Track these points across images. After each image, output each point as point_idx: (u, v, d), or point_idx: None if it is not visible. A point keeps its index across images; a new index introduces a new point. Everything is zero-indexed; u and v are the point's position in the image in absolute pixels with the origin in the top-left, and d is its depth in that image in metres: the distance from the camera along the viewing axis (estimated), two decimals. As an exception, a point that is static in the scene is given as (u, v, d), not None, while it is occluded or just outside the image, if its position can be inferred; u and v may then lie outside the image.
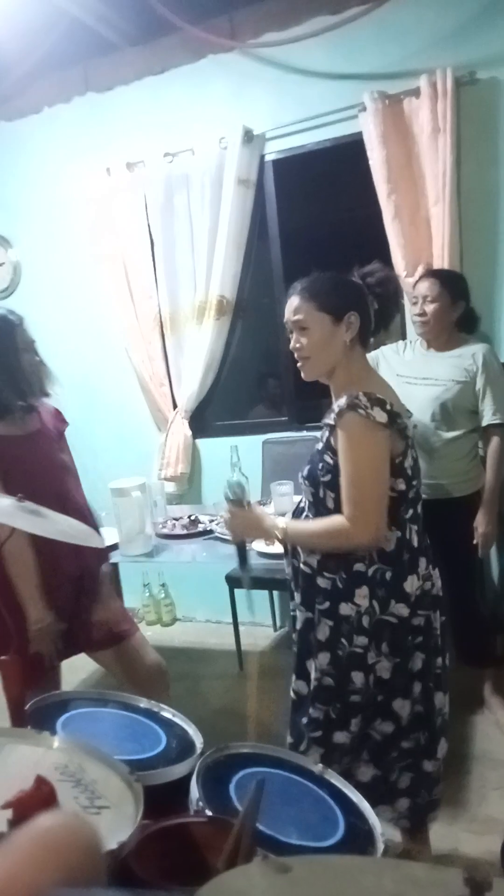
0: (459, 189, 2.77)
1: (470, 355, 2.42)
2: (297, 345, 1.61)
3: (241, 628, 3.15)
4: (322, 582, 1.59)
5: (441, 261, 2.78)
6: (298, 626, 1.66)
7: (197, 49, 3.18)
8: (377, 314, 1.62)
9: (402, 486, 1.57)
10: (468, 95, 2.74)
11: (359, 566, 1.56)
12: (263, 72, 3.11)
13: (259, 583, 3.10)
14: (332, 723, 1.61)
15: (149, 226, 3.41)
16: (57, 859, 0.57)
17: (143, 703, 1.41)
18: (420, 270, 2.78)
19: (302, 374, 1.64)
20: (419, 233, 2.86)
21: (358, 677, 1.58)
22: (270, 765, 1.30)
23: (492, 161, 2.77)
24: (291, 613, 1.78)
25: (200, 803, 1.10)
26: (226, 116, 3.17)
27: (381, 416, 1.49)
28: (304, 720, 1.64)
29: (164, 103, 3.32)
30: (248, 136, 3.12)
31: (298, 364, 1.63)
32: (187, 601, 3.71)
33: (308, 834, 1.14)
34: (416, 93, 2.77)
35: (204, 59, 3.20)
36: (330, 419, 1.56)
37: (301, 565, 1.64)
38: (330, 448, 1.56)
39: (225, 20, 3.11)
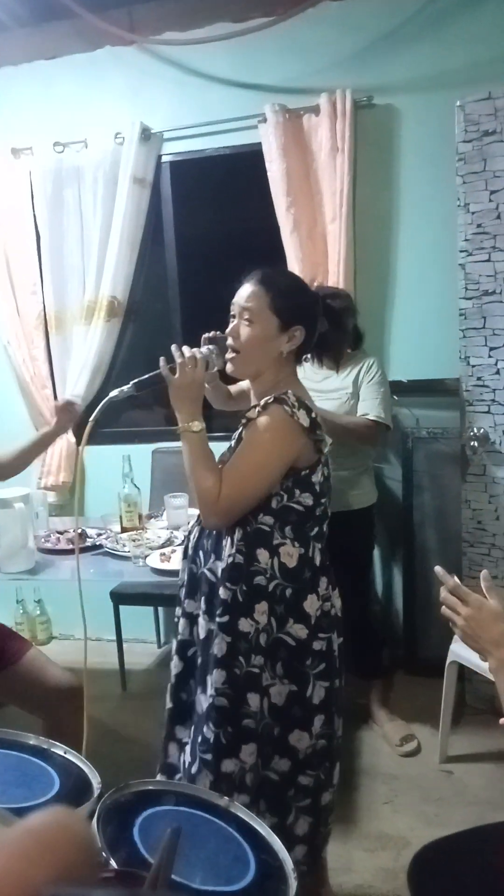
0: (355, 208, 2.82)
1: (361, 367, 2.46)
2: (236, 333, 1.52)
3: (123, 646, 3.00)
4: (223, 593, 1.50)
5: (336, 277, 2.81)
6: (202, 634, 1.56)
7: (93, 39, 3.04)
8: (321, 338, 1.57)
9: (308, 501, 1.53)
10: (365, 118, 2.80)
11: (259, 580, 1.49)
12: (163, 70, 3.02)
13: (146, 599, 2.99)
14: (222, 749, 1.51)
15: (35, 217, 3.20)
16: (51, 856, 0.55)
17: (32, 739, 1.26)
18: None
19: (227, 367, 1.56)
20: (316, 248, 2.88)
21: (254, 700, 1.49)
22: (174, 801, 1.21)
23: (386, 183, 2.85)
24: (176, 620, 1.66)
25: (104, 854, 0.99)
26: (122, 111, 3.05)
27: (304, 420, 1.45)
28: (199, 738, 1.54)
29: (56, 91, 3.14)
30: (146, 134, 3.02)
31: (227, 354, 1.54)
32: (65, 618, 3.48)
33: (220, 877, 1.06)
34: (315, 110, 2.80)
35: (101, 50, 3.07)
36: (252, 413, 1.49)
37: (206, 571, 1.56)
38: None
39: (124, 13, 3.00)
